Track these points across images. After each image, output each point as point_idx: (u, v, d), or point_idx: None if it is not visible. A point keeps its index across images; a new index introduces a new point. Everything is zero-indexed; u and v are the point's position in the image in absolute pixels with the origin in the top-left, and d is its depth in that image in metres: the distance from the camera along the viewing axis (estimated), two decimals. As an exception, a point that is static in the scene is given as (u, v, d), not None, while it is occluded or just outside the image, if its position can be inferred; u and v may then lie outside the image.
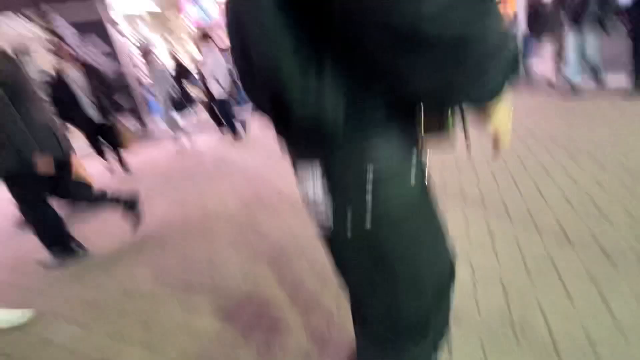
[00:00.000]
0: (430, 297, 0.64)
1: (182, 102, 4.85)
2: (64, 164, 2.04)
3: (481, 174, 2.44)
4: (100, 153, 4.23)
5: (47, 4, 5.43)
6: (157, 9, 8.14)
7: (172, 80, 4.77)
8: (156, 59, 4.75)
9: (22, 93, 1.82)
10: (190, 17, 7.56)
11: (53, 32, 5.56)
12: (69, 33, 5.64)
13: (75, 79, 3.74)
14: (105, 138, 4.08)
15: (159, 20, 9.19)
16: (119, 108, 3.94)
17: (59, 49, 3.68)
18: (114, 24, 6.06)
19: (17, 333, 1.66)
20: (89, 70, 3.82)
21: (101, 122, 3.93)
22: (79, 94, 3.77)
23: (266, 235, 2.13)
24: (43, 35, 7.02)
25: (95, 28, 5.80)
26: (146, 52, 4.66)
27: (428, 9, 0.35)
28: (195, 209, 2.80)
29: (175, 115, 4.91)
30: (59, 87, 3.70)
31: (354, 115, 0.49)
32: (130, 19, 7.36)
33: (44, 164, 1.89)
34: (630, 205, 1.74)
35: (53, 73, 3.74)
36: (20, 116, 1.79)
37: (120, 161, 4.27)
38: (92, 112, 3.84)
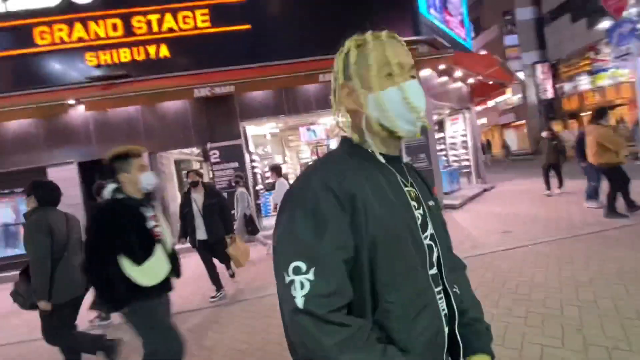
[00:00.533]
0: None
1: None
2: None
3: None
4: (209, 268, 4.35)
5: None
6: (277, 131, 10.12)
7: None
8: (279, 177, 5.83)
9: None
10: (304, 136, 9.13)
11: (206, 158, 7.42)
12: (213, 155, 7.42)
13: (196, 198, 4.25)
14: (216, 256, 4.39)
15: (280, 139, 11.34)
16: (229, 229, 4.27)
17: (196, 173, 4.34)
18: (245, 144, 7.77)
19: None
20: (211, 192, 4.34)
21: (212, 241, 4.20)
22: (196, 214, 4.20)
23: None
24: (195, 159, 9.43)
25: (233, 149, 7.47)
26: (273, 168, 5.84)
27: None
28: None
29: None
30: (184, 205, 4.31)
31: None
32: (257, 138, 9.32)
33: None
34: None
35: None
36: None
37: (231, 274, 4.73)
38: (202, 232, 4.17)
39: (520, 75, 20.62)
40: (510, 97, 23.38)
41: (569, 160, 8.46)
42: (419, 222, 0.73)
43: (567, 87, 20.81)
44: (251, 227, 5.80)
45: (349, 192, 0.65)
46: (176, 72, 7.33)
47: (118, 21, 7.34)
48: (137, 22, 7.36)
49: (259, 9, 7.56)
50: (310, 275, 0.60)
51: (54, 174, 7.29)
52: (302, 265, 0.61)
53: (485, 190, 9.86)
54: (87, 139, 7.32)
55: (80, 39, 7.30)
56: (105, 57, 7.35)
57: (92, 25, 7.29)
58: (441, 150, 11.96)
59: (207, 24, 7.50)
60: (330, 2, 7.83)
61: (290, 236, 0.64)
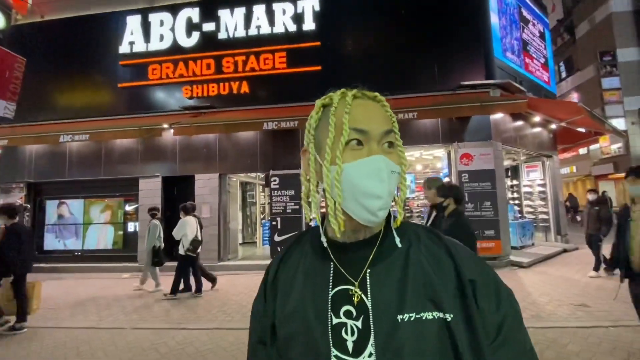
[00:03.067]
0: None
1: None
2: None
3: None
4: None
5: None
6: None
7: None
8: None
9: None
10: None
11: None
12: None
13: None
14: None
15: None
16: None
17: None
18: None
19: None
20: None
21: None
22: None
23: None
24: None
25: (292, 178, 7.89)
26: (183, 208, 6.18)
27: None
28: None
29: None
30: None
31: None
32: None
33: None
34: None
35: None
36: None
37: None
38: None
39: (621, 122, 18.05)
40: (606, 145, 20.43)
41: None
42: (350, 336, 0.54)
43: (686, 138, 17.46)
44: (157, 259, 6.23)
45: (271, 282, 0.65)
46: (252, 105, 8.20)
47: (211, 61, 8.60)
48: (226, 62, 8.53)
49: (331, 52, 8.15)
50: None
51: (144, 185, 8.56)
52: None
53: (565, 250, 8.57)
54: (173, 157, 8.49)
55: (181, 75, 8.71)
56: (197, 90, 8.61)
57: (191, 64, 8.67)
58: (514, 199, 10.89)
59: (284, 64, 8.33)
60: (399, 46, 8.09)
61: None
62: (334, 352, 0.53)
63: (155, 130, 7.56)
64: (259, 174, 9.81)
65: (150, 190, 8.52)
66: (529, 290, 5.11)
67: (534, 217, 10.15)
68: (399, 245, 0.58)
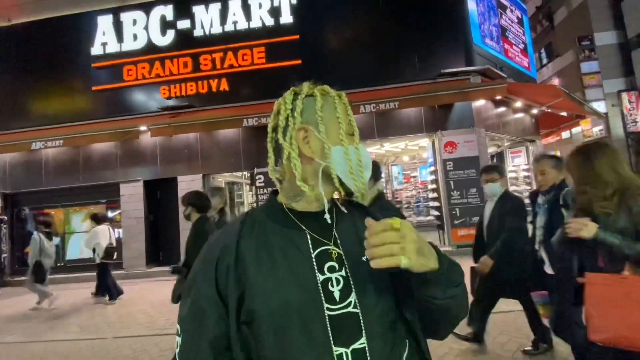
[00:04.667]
0: None
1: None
2: None
3: None
4: None
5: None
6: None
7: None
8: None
9: None
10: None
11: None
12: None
13: None
14: None
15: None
16: None
17: None
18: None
19: None
20: None
21: None
22: None
23: None
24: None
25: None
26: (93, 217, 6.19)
27: None
28: None
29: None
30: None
31: None
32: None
33: None
34: None
35: None
36: None
37: None
38: None
39: (601, 105, 18.42)
40: (588, 128, 20.87)
41: None
42: (336, 287, 0.63)
43: (663, 118, 17.94)
44: (39, 275, 5.70)
45: (228, 264, 0.64)
46: (232, 103, 8.03)
47: (189, 59, 8.38)
48: (204, 59, 8.32)
49: (310, 45, 8.03)
50: (179, 340, 0.66)
51: (125, 190, 8.33)
52: (178, 329, 0.68)
53: (551, 232, 8.68)
54: (153, 160, 8.26)
55: (158, 75, 8.46)
56: (175, 89, 8.39)
57: (167, 63, 8.43)
58: (500, 185, 10.98)
59: (263, 60, 8.17)
60: (379, 37, 8.02)
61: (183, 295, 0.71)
62: (325, 305, 0.62)
63: (132, 132, 7.33)
64: (245, 172, 9.65)
65: (132, 195, 8.30)
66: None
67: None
68: (345, 211, 0.75)
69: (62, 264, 8.63)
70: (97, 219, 6.19)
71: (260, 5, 8.28)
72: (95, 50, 8.71)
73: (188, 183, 8.13)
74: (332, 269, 0.65)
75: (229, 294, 0.62)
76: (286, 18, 8.22)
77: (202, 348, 0.63)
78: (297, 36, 8.11)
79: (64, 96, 8.81)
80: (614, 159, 1.56)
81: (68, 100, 8.79)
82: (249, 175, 9.60)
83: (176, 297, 2.62)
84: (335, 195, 0.76)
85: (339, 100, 0.74)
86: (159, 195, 8.60)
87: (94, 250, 5.94)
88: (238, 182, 11.25)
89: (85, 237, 6.74)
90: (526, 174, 10.30)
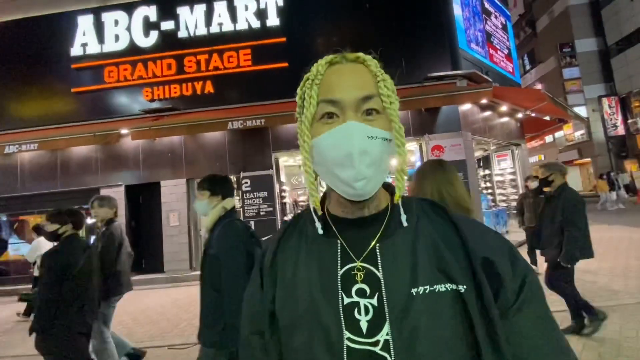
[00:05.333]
0: None
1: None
2: None
3: None
4: None
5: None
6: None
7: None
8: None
9: None
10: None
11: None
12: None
13: None
14: None
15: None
16: None
17: None
18: (277, 174, 7.92)
19: None
20: None
21: None
22: None
23: None
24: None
25: (263, 179, 7.63)
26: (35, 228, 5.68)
27: None
28: None
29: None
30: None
31: None
32: (291, 169, 9.47)
33: None
34: None
35: None
36: None
37: None
38: None
39: (582, 110, 18.93)
40: (570, 133, 21.40)
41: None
42: (363, 316, 0.50)
43: (642, 122, 18.55)
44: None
45: (269, 268, 0.59)
46: (218, 106, 7.86)
47: (172, 61, 8.19)
48: (188, 61, 8.15)
49: (297, 48, 7.94)
50: None
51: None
52: None
53: (537, 235, 8.76)
54: (136, 164, 8.01)
55: (140, 77, 8.24)
56: (158, 92, 8.17)
57: (150, 64, 8.22)
58: (487, 188, 11.10)
59: (249, 62, 8.05)
60: (365, 39, 8.00)
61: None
62: (347, 334, 0.50)
63: (111, 135, 7.08)
64: (232, 177, 9.45)
65: (113, 200, 7.99)
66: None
67: (506, 205, 10.36)
68: (405, 223, 0.55)
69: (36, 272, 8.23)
70: (39, 231, 5.63)
71: (246, 7, 8.17)
72: (75, 51, 8.43)
73: (171, 188, 7.91)
74: (361, 293, 0.52)
75: (266, 292, 0.58)
76: (272, 20, 8.13)
77: (246, 334, 0.60)
78: (284, 39, 8.03)
79: (42, 98, 8.48)
80: (442, 180, 1.52)
81: (46, 102, 8.46)
82: (235, 179, 9.43)
83: None
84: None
85: (318, 73, 0.56)
86: (142, 200, 8.32)
87: (34, 263, 5.50)
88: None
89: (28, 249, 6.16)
90: (512, 177, 10.42)
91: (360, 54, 0.59)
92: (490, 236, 0.56)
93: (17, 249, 8.39)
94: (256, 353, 0.58)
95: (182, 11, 8.28)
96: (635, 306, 3.62)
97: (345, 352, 0.49)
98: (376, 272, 0.52)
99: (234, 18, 8.18)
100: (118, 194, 7.98)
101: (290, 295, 0.55)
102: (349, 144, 0.51)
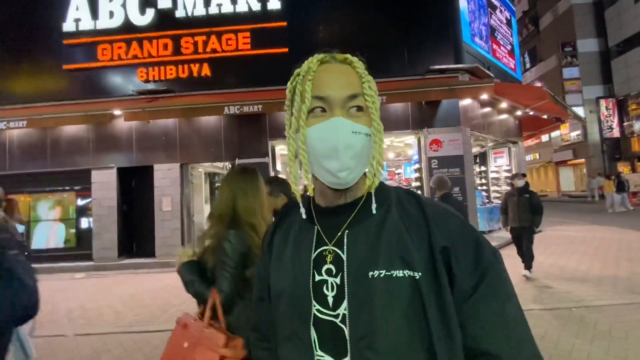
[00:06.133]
0: None
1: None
2: None
3: None
4: None
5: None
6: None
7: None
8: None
9: None
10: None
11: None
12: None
13: None
14: None
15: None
16: None
17: None
18: (273, 162, 7.81)
19: None
20: None
21: None
22: None
23: None
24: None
25: (258, 166, 7.53)
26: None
27: None
28: None
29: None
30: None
31: None
32: (286, 157, 9.34)
33: None
34: None
35: None
36: None
37: None
38: None
39: (580, 110, 18.98)
40: (566, 133, 21.51)
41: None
42: (329, 292, 0.59)
43: (638, 125, 18.68)
44: None
45: (268, 245, 0.72)
46: (214, 90, 7.67)
47: (169, 41, 7.93)
48: (185, 42, 7.90)
49: (298, 33, 7.74)
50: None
51: (97, 177, 7.86)
52: None
53: (529, 233, 8.84)
54: (129, 146, 7.83)
55: (135, 56, 7.98)
56: (153, 73, 7.94)
57: (146, 44, 7.96)
58: (482, 185, 11.12)
59: (248, 46, 7.83)
60: (368, 29, 7.82)
61: None
62: (316, 305, 0.59)
63: (104, 116, 6.88)
64: (226, 163, 9.32)
65: (105, 182, 7.84)
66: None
67: (501, 202, 10.41)
68: (374, 211, 0.61)
69: (26, 253, 8.09)
70: None
71: (246, -11, 7.91)
72: (68, 26, 8.12)
73: (165, 172, 7.77)
74: (329, 272, 0.60)
75: (266, 267, 0.70)
76: (274, 4, 7.89)
77: (256, 305, 0.75)
78: (285, 23, 7.81)
79: (32, 74, 8.18)
80: (238, 188, 1.48)
81: (36, 79, 8.17)
82: (230, 165, 9.31)
83: None
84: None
85: (308, 70, 0.61)
86: (134, 183, 8.18)
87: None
88: (219, 172, 10.90)
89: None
90: (508, 174, 10.44)
91: (348, 56, 0.63)
92: (457, 224, 0.59)
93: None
94: (261, 314, 0.73)
95: (180, -11, 7.98)
96: (624, 307, 3.65)
97: (312, 320, 0.59)
98: (342, 254, 0.59)
99: (234, -1, 7.92)
100: (110, 176, 7.84)
101: (278, 271, 0.66)
102: (335, 138, 0.56)
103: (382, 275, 0.55)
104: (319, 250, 0.62)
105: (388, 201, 0.62)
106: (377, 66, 7.65)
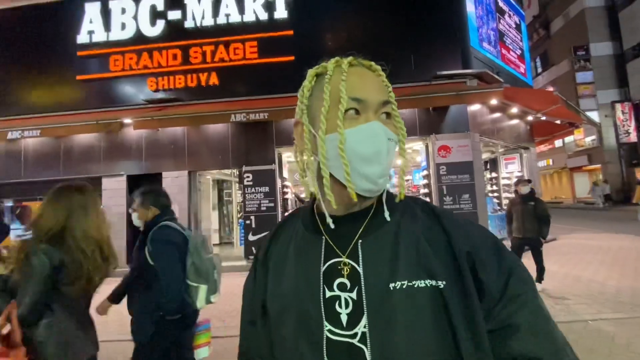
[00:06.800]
0: None
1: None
2: None
3: None
4: None
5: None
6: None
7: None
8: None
9: None
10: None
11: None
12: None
13: None
14: None
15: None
16: None
17: None
18: (279, 169, 7.82)
19: None
20: None
21: None
22: None
23: None
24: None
25: (265, 174, 7.54)
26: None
27: None
28: None
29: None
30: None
31: None
32: (292, 164, 9.36)
33: None
34: None
35: None
36: None
37: None
38: None
39: (594, 115, 18.51)
40: (581, 138, 20.98)
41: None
42: (343, 309, 0.53)
43: (655, 130, 18.10)
44: None
45: (262, 260, 0.66)
46: (222, 98, 7.76)
47: (178, 51, 8.10)
48: (194, 52, 8.05)
49: (304, 42, 7.80)
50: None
51: (107, 185, 8.01)
52: None
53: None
54: (138, 154, 7.96)
55: (145, 66, 8.16)
56: (163, 82, 8.09)
57: (156, 54, 8.14)
58: (493, 191, 10.89)
59: (255, 55, 7.93)
60: (374, 35, 7.83)
61: None
62: (327, 326, 0.53)
63: (113, 124, 7.02)
64: (234, 170, 9.39)
65: (115, 189, 7.97)
66: (507, 284, 4.94)
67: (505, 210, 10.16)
68: (388, 218, 0.58)
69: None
70: None
71: (254, -1, 8.04)
72: (82, 38, 8.38)
73: (173, 179, 7.85)
74: (342, 287, 0.55)
75: (258, 285, 0.65)
76: (280, 13, 7.99)
77: (245, 328, 0.68)
78: (291, 32, 7.89)
79: (47, 85, 8.45)
80: (80, 206, 1.47)
81: (51, 89, 8.43)
82: (237, 173, 9.38)
83: None
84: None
85: (336, 70, 0.58)
86: (143, 191, 8.28)
87: None
88: (227, 179, 10.98)
89: None
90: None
91: (373, 63, 0.62)
92: (475, 230, 0.58)
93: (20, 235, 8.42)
94: (250, 340, 0.66)
95: (190, 1, 8.17)
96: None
97: (325, 343, 0.52)
98: (357, 267, 0.55)
99: (241, 9, 8.05)
100: (120, 184, 7.97)
101: (278, 288, 0.60)
102: (378, 143, 0.54)
103: (404, 287, 0.51)
104: (328, 263, 0.57)
105: (401, 209, 0.60)
106: (384, 72, 7.63)
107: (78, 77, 8.29)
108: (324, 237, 0.59)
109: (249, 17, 8.04)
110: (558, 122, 9.59)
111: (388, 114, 0.59)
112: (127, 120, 7.12)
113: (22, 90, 8.48)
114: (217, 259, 2.12)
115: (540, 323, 0.51)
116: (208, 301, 1.99)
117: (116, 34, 8.31)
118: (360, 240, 0.56)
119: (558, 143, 22.29)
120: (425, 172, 7.93)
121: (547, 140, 14.91)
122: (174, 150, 7.89)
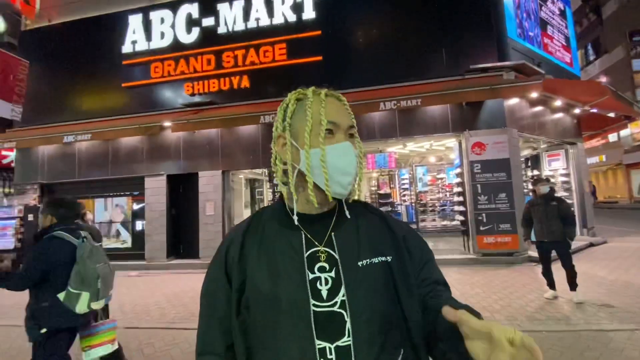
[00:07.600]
0: None
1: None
2: None
3: None
4: None
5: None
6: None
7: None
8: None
9: None
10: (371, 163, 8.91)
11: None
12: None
13: None
14: None
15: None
16: None
17: None
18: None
19: None
20: None
21: None
22: None
23: None
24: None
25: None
26: None
27: None
28: None
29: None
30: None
31: None
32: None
33: None
34: None
35: None
36: None
37: None
38: None
39: (655, 105, 16.67)
40: (638, 131, 19.03)
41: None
42: (324, 286, 0.69)
43: None
44: None
45: (233, 256, 0.74)
46: (253, 100, 8.02)
47: (212, 57, 8.48)
48: (226, 56, 8.38)
49: (332, 41, 7.83)
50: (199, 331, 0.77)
51: (149, 184, 8.58)
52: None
53: (591, 244, 7.93)
54: (177, 155, 8.45)
55: (182, 72, 8.64)
56: (198, 86, 8.52)
57: (192, 60, 8.58)
58: (534, 190, 10.22)
59: (284, 56, 8.09)
60: (404, 31, 7.67)
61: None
62: (312, 301, 0.68)
63: (154, 127, 7.51)
64: (264, 170, 9.65)
65: (156, 188, 8.53)
66: (546, 289, 4.64)
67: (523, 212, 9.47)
68: (348, 216, 0.78)
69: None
70: None
71: (283, 1, 8.20)
72: (126, 48, 9.05)
73: (209, 179, 8.24)
74: (322, 269, 0.71)
75: (234, 280, 0.72)
76: (308, 14, 8.08)
77: (212, 325, 0.74)
78: (319, 32, 7.95)
79: (97, 92, 9.22)
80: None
81: (100, 97, 9.19)
82: (267, 172, 9.63)
83: None
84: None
85: (315, 98, 0.76)
86: (182, 189, 8.78)
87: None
88: (259, 179, 11.30)
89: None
90: (565, 179, 9.49)
91: (340, 94, 0.79)
92: (402, 223, 0.83)
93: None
94: (213, 335, 0.74)
95: (222, 7, 8.52)
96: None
97: (312, 315, 0.67)
98: (333, 252, 0.72)
99: (270, 13, 8.25)
100: (160, 183, 8.51)
101: (265, 276, 0.70)
102: (350, 158, 0.73)
103: (367, 263, 0.71)
104: (309, 252, 0.72)
105: (355, 208, 0.80)
106: (414, 69, 7.46)
107: (123, 84, 8.96)
108: (302, 232, 0.74)
109: (277, 19, 8.22)
110: (612, 114, 8.78)
111: (351, 135, 0.76)
112: (166, 124, 7.57)
113: (75, 97, 9.33)
114: (106, 268, 2.31)
115: (438, 271, 0.78)
116: (89, 307, 2.17)
117: (156, 43, 8.87)
118: (333, 233, 0.74)
119: (612, 137, 20.42)
120: (458, 170, 7.65)
121: (598, 134, 13.70)
122: (209, 151, 8.28)
